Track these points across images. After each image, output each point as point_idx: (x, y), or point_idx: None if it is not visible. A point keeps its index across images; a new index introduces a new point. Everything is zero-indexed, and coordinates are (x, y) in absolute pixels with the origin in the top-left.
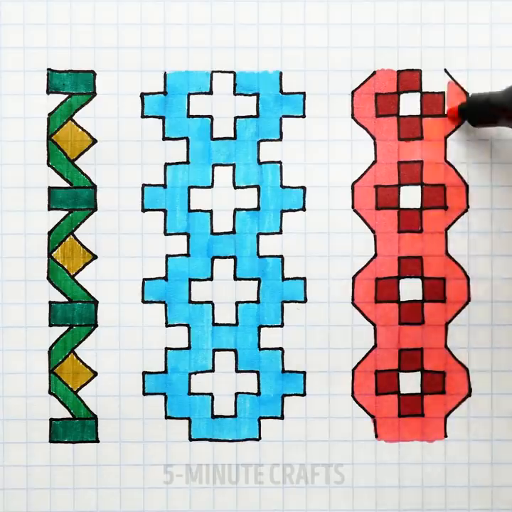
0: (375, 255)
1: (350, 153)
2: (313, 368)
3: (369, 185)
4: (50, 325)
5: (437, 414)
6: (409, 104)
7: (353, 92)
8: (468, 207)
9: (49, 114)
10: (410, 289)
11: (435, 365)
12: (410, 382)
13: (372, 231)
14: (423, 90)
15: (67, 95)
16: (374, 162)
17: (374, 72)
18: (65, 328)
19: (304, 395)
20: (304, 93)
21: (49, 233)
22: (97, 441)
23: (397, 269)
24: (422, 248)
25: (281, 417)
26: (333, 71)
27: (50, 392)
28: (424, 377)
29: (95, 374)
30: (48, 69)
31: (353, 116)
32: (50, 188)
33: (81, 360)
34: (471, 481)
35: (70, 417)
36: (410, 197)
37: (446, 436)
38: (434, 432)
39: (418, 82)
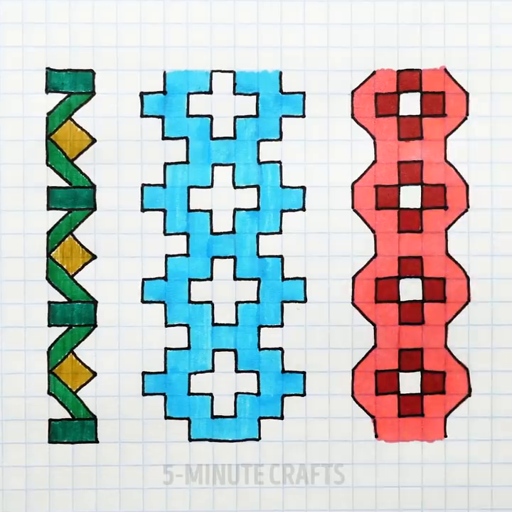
0: (375, 255)
1: (350, 153)
2: (313, 368)
3: (369, 185)
4: (49, 325)
5: (437, 414)
6: (409, 104)
7: (352, 92)
8: (468, 207)
9: (48, 114)
10: (410, 289)
11: (435, 365)
12: (410, 382)
13: (372, 231)
14: (423, 90)
15: (66, 94)
16: (374, 162)
17: (374, 72)
18: (64, 328)
19: (304, 395)
20: (303, 93)
21: (48, 233)
22: (97, 441)
23: (397, 269)
24: (422, 248)
25: (281, 417)
26: (333, 71)
27: (49, 393)
28: (424, 377)
29: (94, 374)
30: (47, 68)
31: (352, 116)
32: (49, 188)
33: (80, 361)
34: (470, 481)
35: (70, 417)
36: (410, 197)
37: (446, 436)
38: (433, 431)
39: (418, 82)
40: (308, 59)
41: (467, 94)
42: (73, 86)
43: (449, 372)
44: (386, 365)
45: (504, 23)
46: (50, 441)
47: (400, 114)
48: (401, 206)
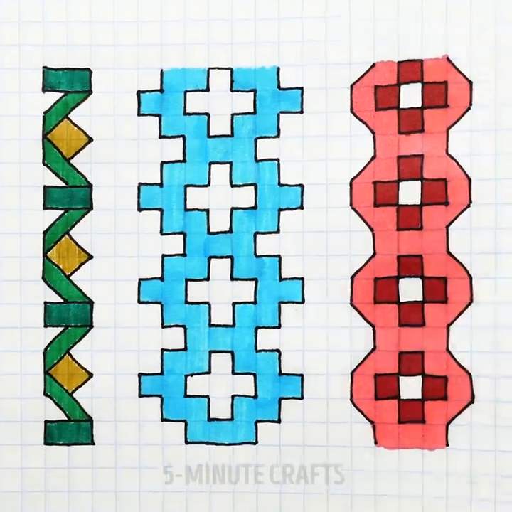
0: (374, 254)
1: (348, 148)
2: (310, 370)
3: (367, 182)
4: (45, 325)
5: (439, 422)
6: (410, 96)
7: (352, 86)
8: (470, 202)
9: (44, 113)
10: (410, 289)
11: (436, 370)
12: (411, 387)
13: (371, 229)
14: (424, 80)
15: (62, 93)
16: (373, 157)
17: (373, 64)
18: (61, 328)
19: (302, 398)
20: (301, 88)
21: (44, 233)
22: (93, 443)
23: (396, 269)
24: (422, 246)
25: (278, 421)
26: (332, 64)
27: (45, 394)
28: (425, 381)
29: (91, 375)
30: (44, 67)
31: (351, 111)
32: (45, 187)
33: (76, 361)
34: (473, 493)
35: (65, 418)
36: (410, 193)
37: (447, 444)
38: (435, 439)
39: (419, 72)
40: (306, 53)
41: (470, 82)
42: (70, 85)
43: (451, 377)
44: (386, 368)
45: (508, 9)
46: (45, 443)
47: (401, 106)
48: (400, 203)
